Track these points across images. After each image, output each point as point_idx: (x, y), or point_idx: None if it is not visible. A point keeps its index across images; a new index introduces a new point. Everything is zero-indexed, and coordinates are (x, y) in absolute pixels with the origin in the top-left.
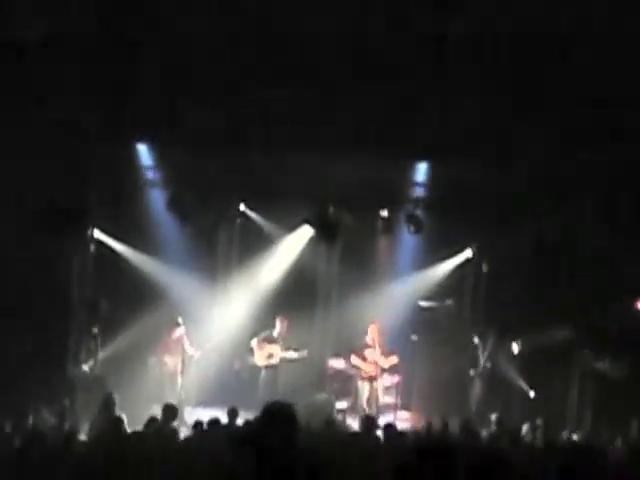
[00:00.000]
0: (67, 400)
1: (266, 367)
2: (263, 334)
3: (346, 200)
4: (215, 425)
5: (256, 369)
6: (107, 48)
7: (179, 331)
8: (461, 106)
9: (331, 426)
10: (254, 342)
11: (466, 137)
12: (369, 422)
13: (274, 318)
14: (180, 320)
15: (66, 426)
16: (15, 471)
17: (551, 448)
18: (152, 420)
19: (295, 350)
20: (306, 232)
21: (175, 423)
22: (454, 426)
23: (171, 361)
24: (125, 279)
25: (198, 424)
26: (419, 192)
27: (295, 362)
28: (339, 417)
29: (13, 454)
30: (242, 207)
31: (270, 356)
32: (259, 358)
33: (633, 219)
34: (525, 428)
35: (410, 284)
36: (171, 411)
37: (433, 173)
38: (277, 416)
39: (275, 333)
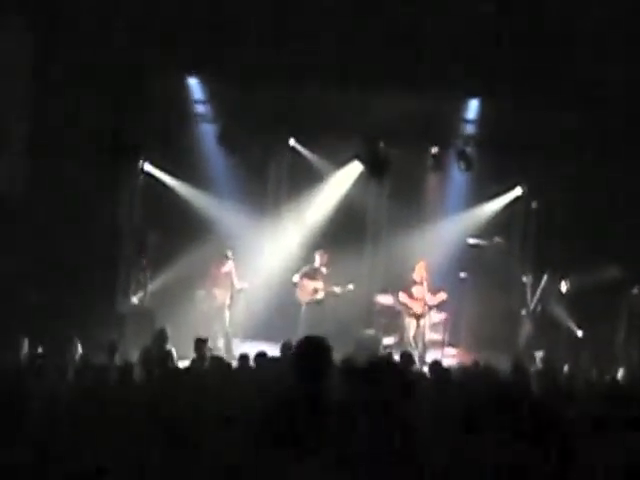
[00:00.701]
0: (116, 333)
1: (310, 302)
2: (304, 269)
3: (396, 137)
4: (263, 358)
5: (299, 304)
6: None
7: (228, 265)
8: (513, 43)
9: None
10: (296, 277)
11: (517, 74)
12: (406, 358)
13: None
14: (229, 254)
15: (116, 359)
16: (68, 402)
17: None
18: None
19: (340, 285)
20: (356, 168)
21: (225, 355)
22: (502, 363)
23: (220, 294)
24: (174, 212)
25: (243, 357)
26: (470, 129)
27: (341, 297)
28: (386, 353)
29: (66, 385)
30: (292, 142)
31: (315, 291)
32: (302, 293)
33: None
34: (566, 368)
35: (459, 222)
36: (200, 343)
37: (484, 110)
38: (310, 352)
39: (315, 268)
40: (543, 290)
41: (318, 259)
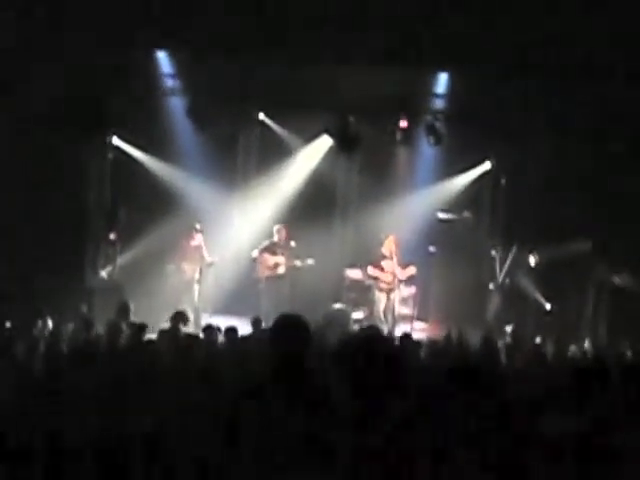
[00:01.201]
0: (85, 306)
1: (270, 277)
2: (263, 244)
3: (366, 111)
4: (233, 333)
5: (263, 279)
6: None
7: (198, 238)
8: (481, 16)
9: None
10: (255, 253)
11: (485, 47)
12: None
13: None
14: (198, 226)
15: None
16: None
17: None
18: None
19: (301, 259)
20: (325, 142)
21: (193, 330)
22: (471, 337)
23: (189, 269)
24: (143, 186)
25: (208, 328)
26: (439, 104)
27: (308, 272)
28: (355, 327)
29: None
30: (261, 116)
31: (275, 266)
32: (262, 269)
33: None
34: (538, 340)
35: (428, 196)
36: (181, 317)
37: (453, 84)
38: (289, 329)
39: (275, 242)
40: (512, 264)
41: (276, 234)
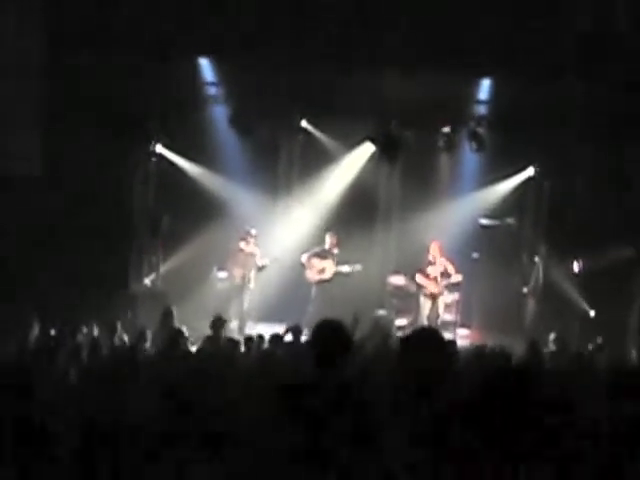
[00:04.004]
0: (130, 314)
1: (319, 282)
2: (313, 250)
3: (408, 117)
4: (277, 341)
5: (310, 285)
6: None
7: (251, 242)
8: (525, 25)
9: (387, 342)
10: (304, 258)
11: (530, 55)
12: None
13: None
14: (253, 232)
15: (117, 339)
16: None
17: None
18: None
19: (348, 264)
20: (368, 149)
21: (237, 337)
22: (514, 345)
23: (239, 274)
24: (187, 194)
25: (249, 339)
26: (482, 109)
27: (352, 278)
28: (399, 334)
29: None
30: (304, 123)
31: (322, 271)
32: (311, 273)
33: None
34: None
35: (471, 202)
36: (220, 322)
37: (496, 90)
38: (327, 336)
39: (325, 249)
40: (555, 271)
41: (328, 240)
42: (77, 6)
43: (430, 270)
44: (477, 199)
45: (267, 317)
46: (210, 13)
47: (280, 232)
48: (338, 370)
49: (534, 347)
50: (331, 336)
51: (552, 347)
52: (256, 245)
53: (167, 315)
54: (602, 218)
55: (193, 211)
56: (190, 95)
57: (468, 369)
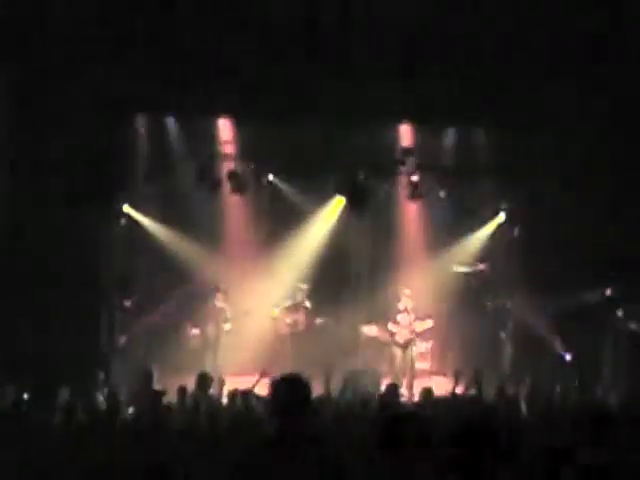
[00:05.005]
0: (102, 374)
1: (291, 335)
2: (285, 303)
3: (375, 167)
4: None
5: (283, 337)
6: None
7: (221, 298)
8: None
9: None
10: (276, 311)
11: (498, 101)
12: (391, 389)
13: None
14: (222, 286)
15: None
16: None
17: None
18: (182, 389)
19: (320, 317)
20: (339, 202)
21: (215, 392)
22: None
23: (212, 329)
24: (156, 252)
25: (232, 394)
26: (449, 157)
27: (324, 329)
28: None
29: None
30: (271, 177)
31: (295, 324)
32: (282, 327)
33: None
34: (558, 390)
35: (442, 249)
36: (205, 380)
37: (461, 138)
38: (284, 392)
39: (297, 302)
40: (528, 314)
41: (300, 293)
42: (43, 65)
43: (401, 319)
44: (447, 246)
45: (241, 371)
46: (176, 72)
47: (252, 286)
48: (297, 425)
49: (503, 393)
50: (288, 392)
51: (528, 390)
52: (226, 301)
53: (147, 375)
54: (573, 260)
55: (165, 269)
56: (157, 152)
57: (444, 417)
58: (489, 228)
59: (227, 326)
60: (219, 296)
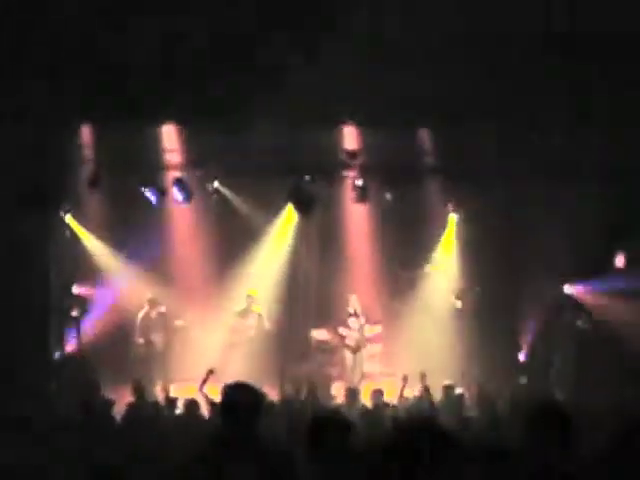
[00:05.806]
0: (54, 384)
1: (241, 342)
2: (235, 309)
3: (321, 170)
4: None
5: (234, 343)
6: None
7: (156, 308)
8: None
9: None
10: (228, 318)
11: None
12: (350, 393)
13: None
14: (150, 296)
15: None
16: None
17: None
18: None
19: (270, 321)
20: (285, 207)
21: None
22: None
23: (157, 338)
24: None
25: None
26: (394, 158)
27: (275, 334)
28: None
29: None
30: (216, 184)
31: (246, 329)
32: (234, 334)
33: None
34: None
35: (389, 252)
36: (138, 387)
37: (406, 139)
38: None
39: (246, 308)
40: (479, 314)
41: (248, 300)
42: None
43: (351, 322)
44: (395, 248)
45: (191, 377)
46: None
47: (202, 291)
48: (247, 429)
49: (450, 393)
50: (239, 397)
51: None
52: (163, 309)
53: (94, 386)
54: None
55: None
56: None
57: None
58: (433, 228)
59: (174, 333)
60: (155, 305)
